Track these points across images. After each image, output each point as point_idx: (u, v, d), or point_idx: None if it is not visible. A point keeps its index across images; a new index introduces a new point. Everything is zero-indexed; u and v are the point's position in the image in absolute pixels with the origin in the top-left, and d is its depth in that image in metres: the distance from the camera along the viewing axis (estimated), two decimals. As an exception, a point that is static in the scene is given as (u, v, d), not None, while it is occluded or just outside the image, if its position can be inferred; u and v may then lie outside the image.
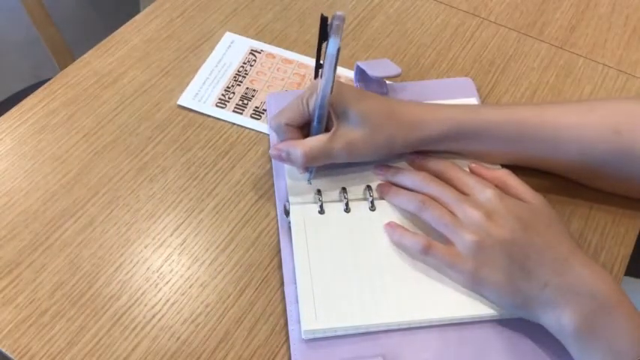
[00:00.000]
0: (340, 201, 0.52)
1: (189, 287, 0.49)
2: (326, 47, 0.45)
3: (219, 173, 0.56)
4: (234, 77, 0.64)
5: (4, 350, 0.46)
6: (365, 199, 0.53)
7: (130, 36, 0.67)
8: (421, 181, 0.51)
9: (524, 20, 0.71)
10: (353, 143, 0.50)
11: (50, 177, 0.55)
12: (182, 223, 0.53)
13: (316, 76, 0.48)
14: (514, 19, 0.71)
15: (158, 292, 0.49)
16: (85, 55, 0.65)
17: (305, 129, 0.53)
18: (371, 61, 0.63)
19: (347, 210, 0.52)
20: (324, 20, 0.44)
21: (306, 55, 0.66)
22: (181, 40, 0.67)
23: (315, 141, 0.50)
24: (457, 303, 0.47)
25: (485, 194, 0.47)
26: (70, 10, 1.95)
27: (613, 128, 0.50)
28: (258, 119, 0.60)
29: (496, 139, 0.52)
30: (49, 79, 0.63)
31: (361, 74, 0.60)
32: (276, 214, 0.53)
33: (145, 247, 0.51)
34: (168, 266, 0.50)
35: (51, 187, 0.54)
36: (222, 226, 0.53)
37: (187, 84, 0.63)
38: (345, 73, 0.64)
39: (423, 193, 0.50)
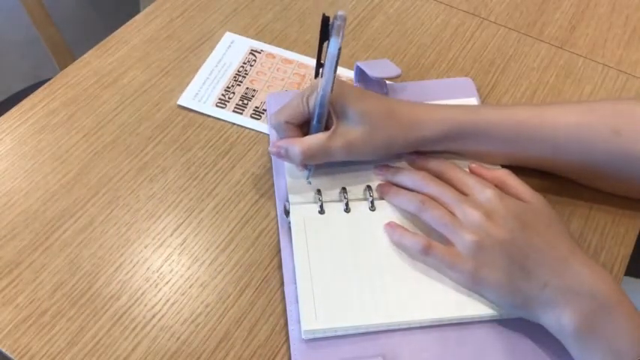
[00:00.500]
0: (340, 201, 0.52)
1: (189, 287, 0.49)
2: (327, 47, 0.45)
3: (219, 173, 0.56)
4: (234, 77, 0.64)
5: (4, 350, 0.46)
6: (365, 199, 0.53)
7: (130, 36, 0.67)
8: (421, 181, 0.51)
9: (524, 20, 0.71)
10: (352, 142, 0.50)
11: (50, 177, 0.55)
12: (182, 223, 0.53)
13: (317, 75, 0.48)
14: (514, 19, 0.71)
15: (158, 292, 0.49)
16: (85, 55, 0.65)
17: (305, 127, 0.53)
18: (371, 61, 0.63)
19: (347, 210, 0.52)
20: (325, 20, 0.44)
21: (306, 55, 0.66)
22: (181, 40, 0.67)
23: (314, 139, 0.50)
24: (457, 303, 0.47)
25: (485, 194, 0.47)
26: (70, 10, 1.95)
27: (613, 129, 0.50)
28: (258, 119, 0.60)
29: (496, 139, 0.52)
30: (49, 79, 0.63)
31: (361, 74, 0.60)
32: (276, 214, 0.53)
33: (145, 247, 0.51)
34: (168, 266, 0.50)
35: (51, 187, 0.54)
36: (222, 226, 0.53)
37: (187, 84, 0.63)
38: (345, 73, 0.64)
39: (422, 194, 0.50)
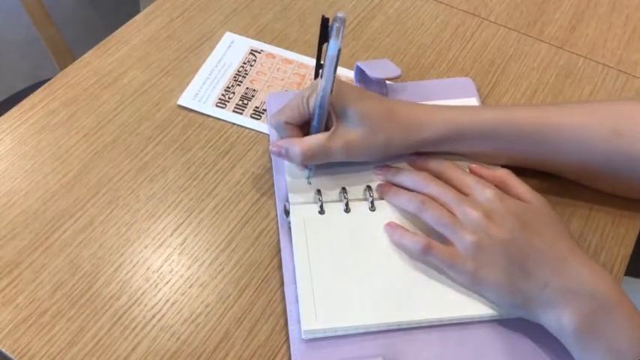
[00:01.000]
0: (340, 201, 0.52)
1: (189, 287, 0.49)
2: (326, 48, 0.45)
3: (219, 173, 0.56)
4: (234, 77, 0.64)
5: (4, 350, 0.46)
6: (365, 199, 0.53)
7: (130, 36, 0.67)
8: (421, 182, 0.51)
9: (524, 20, 0.71)
10: (351, 143, 0.50)
11: (50, 177, 0.55)
12: (182, 223, 0.53)
13: (316, 76, 0.48)
14: (514, 19, 0.71)
15: (158, 292, 0.49)
16: (85, 55, 0.65)
17: (305, 127, 0.53)
18: (371, 61, 0.63)
19: (347, 210, 0.52)
20: (324, 22, 0.44)
21: (306, 55, 0.66)
22: (181, 40, 0.67)
23: (314, 139, 0.50)
24: (457, 303, 0.47)
25: (485, 194, 0.47)
26: (70, 10, 1.95)
27: (613, 130, 0.50)
28: (258, 119, 0.60)
29: (496, 140, 0.52)
30: (49, 79, 0.63)
31: (361, 74, 0.60)
32: (276, 214, 0.53)
33: (145, 247, 0.51)
34: (168, 266, 0.50)
35: (51, 187, 0.54)
36: (222, 226, 0.53)
37: (187, 84, 0.63)
38: (345, 73, 0.64)
39: (423, 194, 0.50)
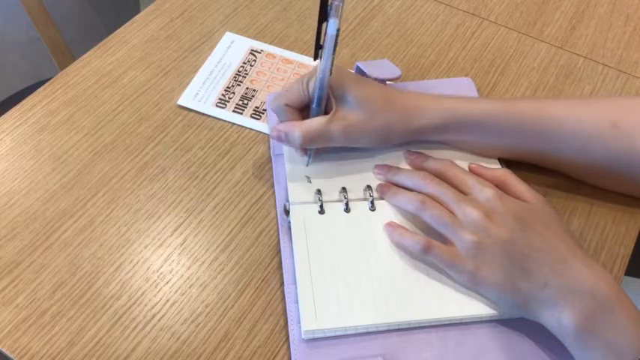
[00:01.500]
0: (340, 201, 0.52)
1: (189, 287, 0.49)
2: (326, 28, 0.45)
3: (219, 173, 0.56)
4: (234, 77, 0.64)
5: (4, 350, 0.46)
6: (365, 199, 0.53)
7: (130, 36, 0.67)
8: (421, 181, 0.51)
9: (524, 20, 0.71)
10: (351, 126, 0.50)
11: (50, 177, 0.55)
12: (182, 223, 0.53)
13: (316, 57, 0.48)
14: (514, 19, 0.71)
15: (158, 292, 0.49)
16: (85, 55, 0.65)
17: (305, 111, 0.53)
18: (371, 61, 0.63)
19: (347, 210, 0.52)
20: (324, 1, 0.44)
21: (306, 55, 0.66)
22: (181, 40, 0.67)
23: (314, 123, 0.51)
24: (457, 303, 0.47)
25: (485, 194, 0.47)
26: (70, 10, 1.95)
27: (611, 122, 0.50)
28: (258, 119, 0.60)
29: (494, 130, 0.52)
30: (49, 79, 0.63)
31: (361, 74, 0.60)
32: (276, 214, 0.53)
33: (145, 247, 0.51)
34: (169, 266, 0.50)
35: (51, 187, 0.54)
36: (222, 226, 0.53)
37: (187, 84, 0.63)
38: (345, 73, 0.64)
39: (422, 193, 0.50)
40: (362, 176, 0.54)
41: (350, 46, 0.67)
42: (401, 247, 0.49)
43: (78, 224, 0.52)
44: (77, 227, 0.52)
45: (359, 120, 0.50)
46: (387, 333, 0.46)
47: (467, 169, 0.53)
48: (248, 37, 0.68)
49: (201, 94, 0.62)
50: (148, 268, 0.50)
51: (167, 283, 0.49)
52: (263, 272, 0.50)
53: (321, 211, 0.51)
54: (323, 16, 0.45)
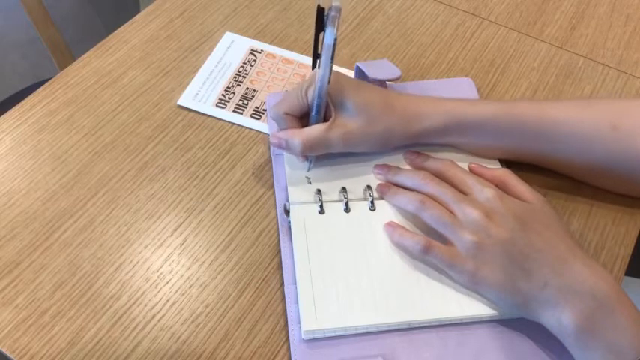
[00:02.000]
0: (340, 201, 0.52)
1: (189, 287, 0.49)
2: (323, 38, 0.45)
3: (219, 173, 0.56)
4: (234, 77, 0.64)
5: (4, 350, 0.46)
6: (365, 199, 0.53)
7: (130, 36, 0.67)
8: (421, 181, 0.51)
9: (524, 20, 0.71)
10: (350, 133, 0.50)
11: (50, 177, 0.55)
12: (182, 223, 0.53)
13: (314, 66, 0.48)
14: (514, 19, 0.71)
15: (158, 292, 0.49)
16: (85, 55, 0.65)
17: (304, 118, 0.53)
18: (371, 61, 0.63)
19: (347, 210, 0.52)
20: (320, 11, 0.44)
21: (306, 55, 0.66)
22: (181, 40, 0.67)
23: (313, 130, 0.51)
24: (457, 303, 0.47)
25: (485, 194, 0.47)
26: (70, 10, 1.95)
27: (611, 124, 0.50)
28: (258, 119, 0.60)
29: (494, 132, 0.52)
30: (49, 79, 0.63)
31: (361, 75, 0.60)
32: (276, 214, 0.53)
33: (145, 247, 0.51)
34: (169, 266, 0.50)
35: (51, 187, 0.54)
36: (222, 226, 0.53)
37: (187, 84, 0.63)
38: (345, 73, 0.64)
39: (422, 193, 0.50)
40: (362, 176, 0.54)
41: (350, 46, 0.67)
42: (401, 247, 0.49)
43: (78, 224, 0.52)
44: (77, 227, 0.52)
45: (358, 127, 0.50)
46: (387, 333, 0.46)
47: (467, 169, 0.53)
48: (248, 37, 0.68)
49: (201, 94, 0.62)
50: (148, 268, 0.50)
51: (167, 283, 0.49)
52: (263, 272, 0.50)
53: (321, 211, 0.51)
54: (320, 25, 0.45)
